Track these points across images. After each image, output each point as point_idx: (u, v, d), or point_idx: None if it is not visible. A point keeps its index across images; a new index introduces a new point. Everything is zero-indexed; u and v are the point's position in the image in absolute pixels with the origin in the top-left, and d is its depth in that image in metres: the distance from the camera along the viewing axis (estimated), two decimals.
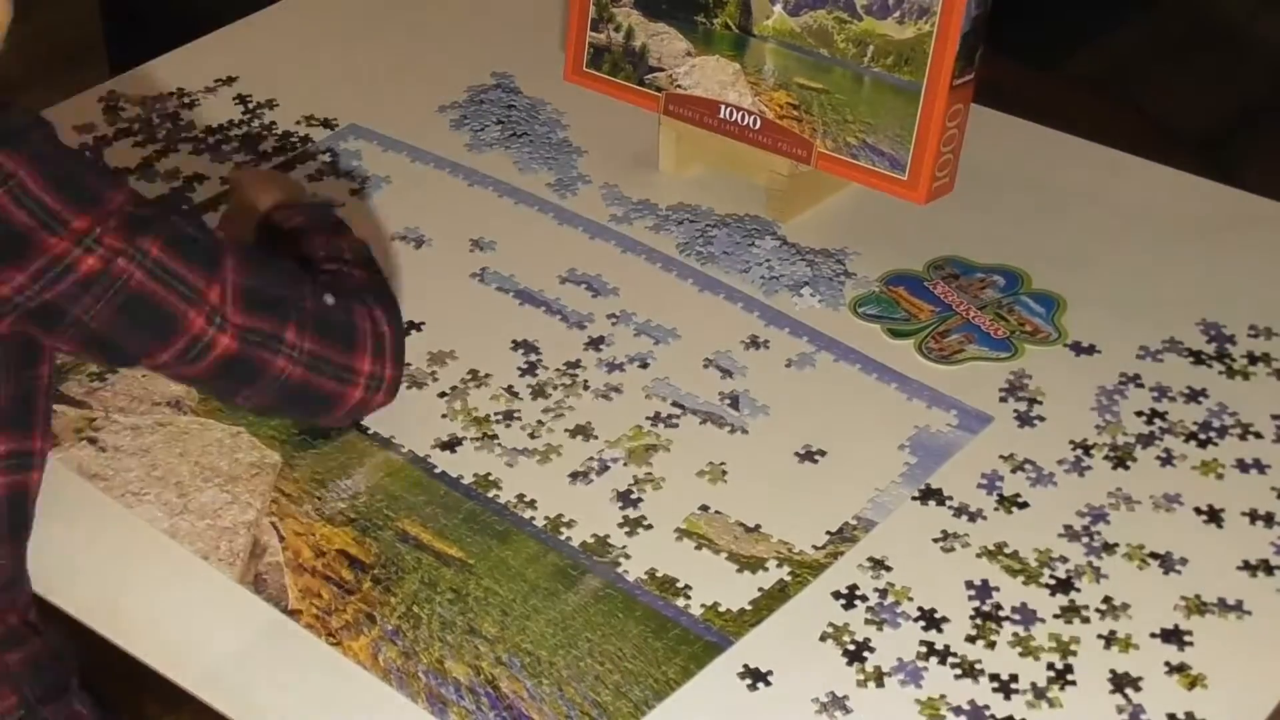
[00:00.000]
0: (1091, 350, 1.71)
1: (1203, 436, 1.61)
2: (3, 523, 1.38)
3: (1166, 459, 1.59)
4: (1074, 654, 1.40)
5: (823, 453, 1.60)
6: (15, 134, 1.24)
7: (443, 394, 1.66)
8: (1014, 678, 1.38)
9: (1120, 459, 1.58)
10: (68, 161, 1.27)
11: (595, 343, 1.72)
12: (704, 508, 1.54)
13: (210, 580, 1.47)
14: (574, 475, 1.57)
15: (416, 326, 1.74)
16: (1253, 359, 1.70)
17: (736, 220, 1.90)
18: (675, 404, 1.65)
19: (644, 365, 1.70)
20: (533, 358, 1.70)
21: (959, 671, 1.39)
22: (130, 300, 1.28)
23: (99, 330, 1.28)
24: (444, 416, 1.63)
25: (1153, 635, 1.42)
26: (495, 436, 1.61)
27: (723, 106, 1.89)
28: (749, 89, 1.87)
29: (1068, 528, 1.51)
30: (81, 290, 1.26)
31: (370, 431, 1.61)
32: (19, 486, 1.38)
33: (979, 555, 1.49)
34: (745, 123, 1.87)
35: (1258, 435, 1.61)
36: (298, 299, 1.37)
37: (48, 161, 1.24)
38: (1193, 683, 1.37)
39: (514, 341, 1.73)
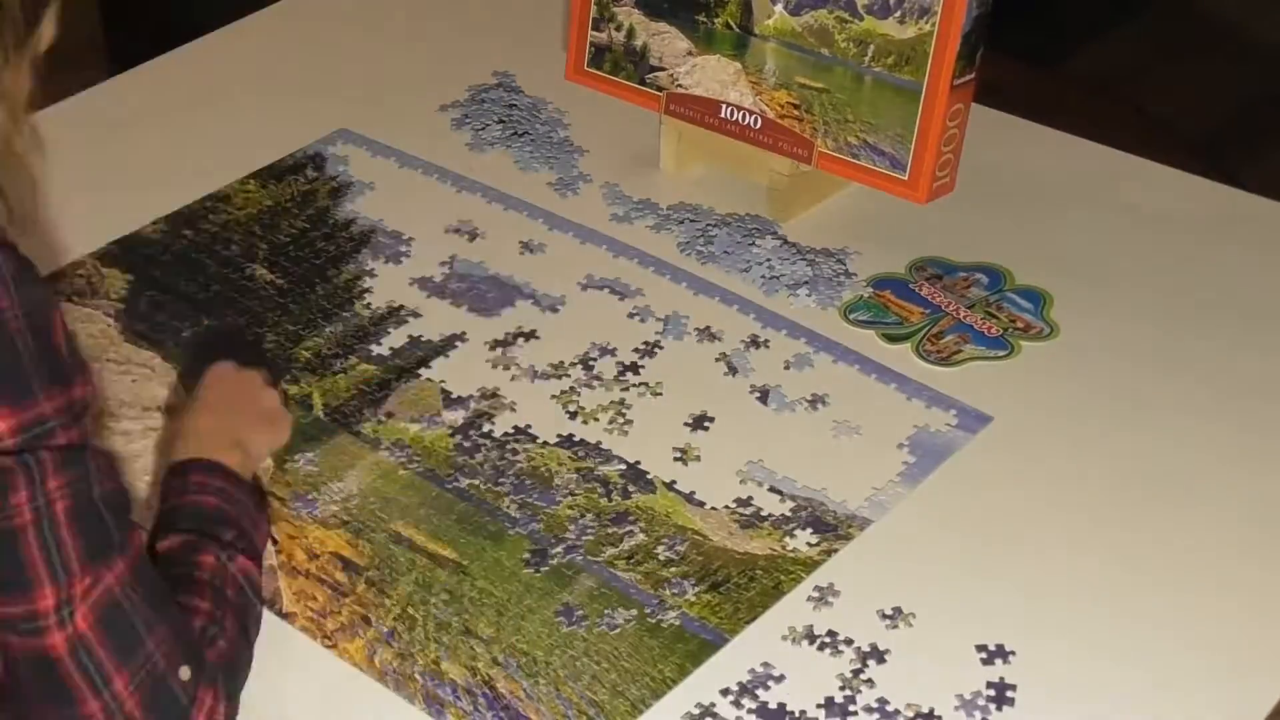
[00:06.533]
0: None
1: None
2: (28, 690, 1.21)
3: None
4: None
5: (821, 452, 1.60)
6: None
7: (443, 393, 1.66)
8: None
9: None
10: (21, 338, 1.13)
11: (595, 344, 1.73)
12: (699, 504, 1.54)
13: None
14: (567, 476, 1.57)
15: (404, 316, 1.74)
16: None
17: (737, 220, 1.90)
18: (671, 404, 1.65)
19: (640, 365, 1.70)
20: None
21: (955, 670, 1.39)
22: (4, 537, 1.14)
23: None
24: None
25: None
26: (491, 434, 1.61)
27: (724, 106, 1.88)
28: (750, 88, 1.87)
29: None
30: None
31: (362, 434, 1.61)
32: (35, 650, 1.18)
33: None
34: (746, 122, 1.87)
35: None
36: (155, 653, 1.19)
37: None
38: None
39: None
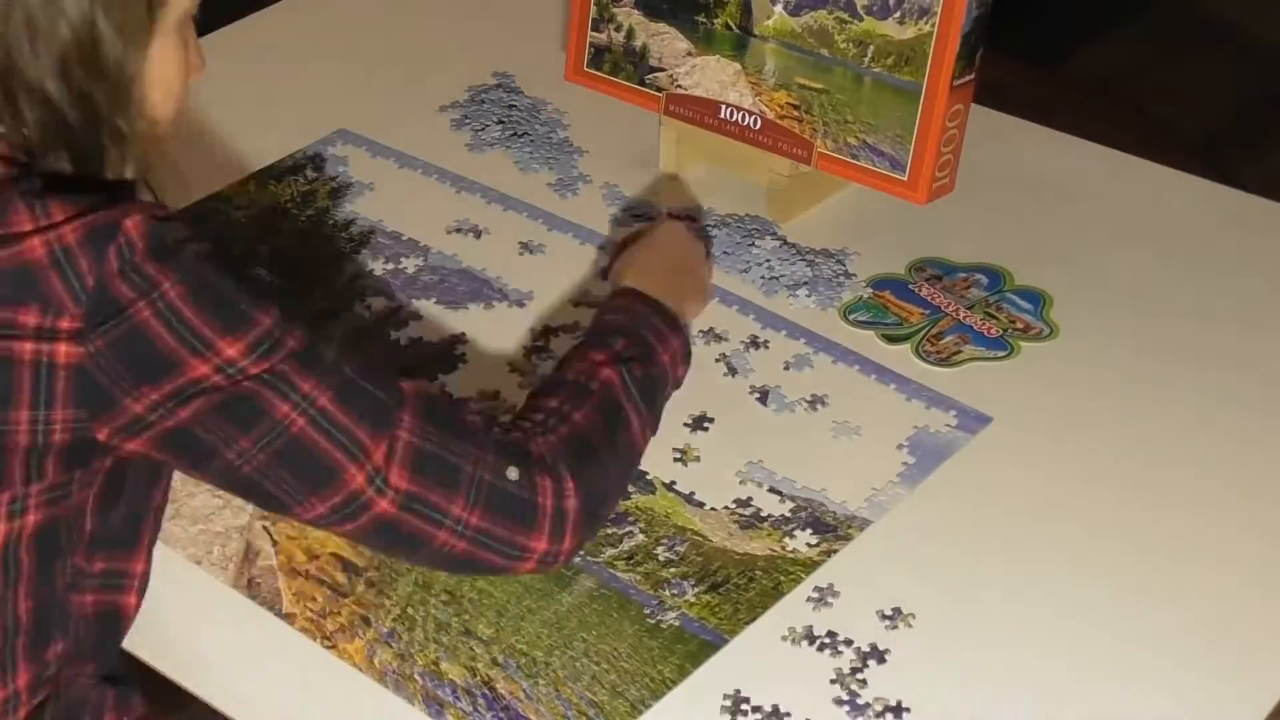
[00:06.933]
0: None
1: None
2: (90, 639, 1.35)
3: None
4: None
5: (821, 453, 1.60)
6: (168, 248, 1.19)
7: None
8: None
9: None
10: (220, 281, 1.22)
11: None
12: (699, 504, 1.54)
13: (204, 585, 1.47)
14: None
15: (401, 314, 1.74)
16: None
17: (737, 220, 1.90)
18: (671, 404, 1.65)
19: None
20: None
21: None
22: (289, 448, 1.23)
23: (251, 475, 1.23)
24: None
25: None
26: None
27: (723, 106, 1.88)
28: (749, 89, 1.87)
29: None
30: (229, 424, 1.21)
31: None
32: (111, 606, 1.35)
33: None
34: (746, 123, 1.87)
35: None
36: (476, 470, 1.28)
37: (198, 279, 1.20)
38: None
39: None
